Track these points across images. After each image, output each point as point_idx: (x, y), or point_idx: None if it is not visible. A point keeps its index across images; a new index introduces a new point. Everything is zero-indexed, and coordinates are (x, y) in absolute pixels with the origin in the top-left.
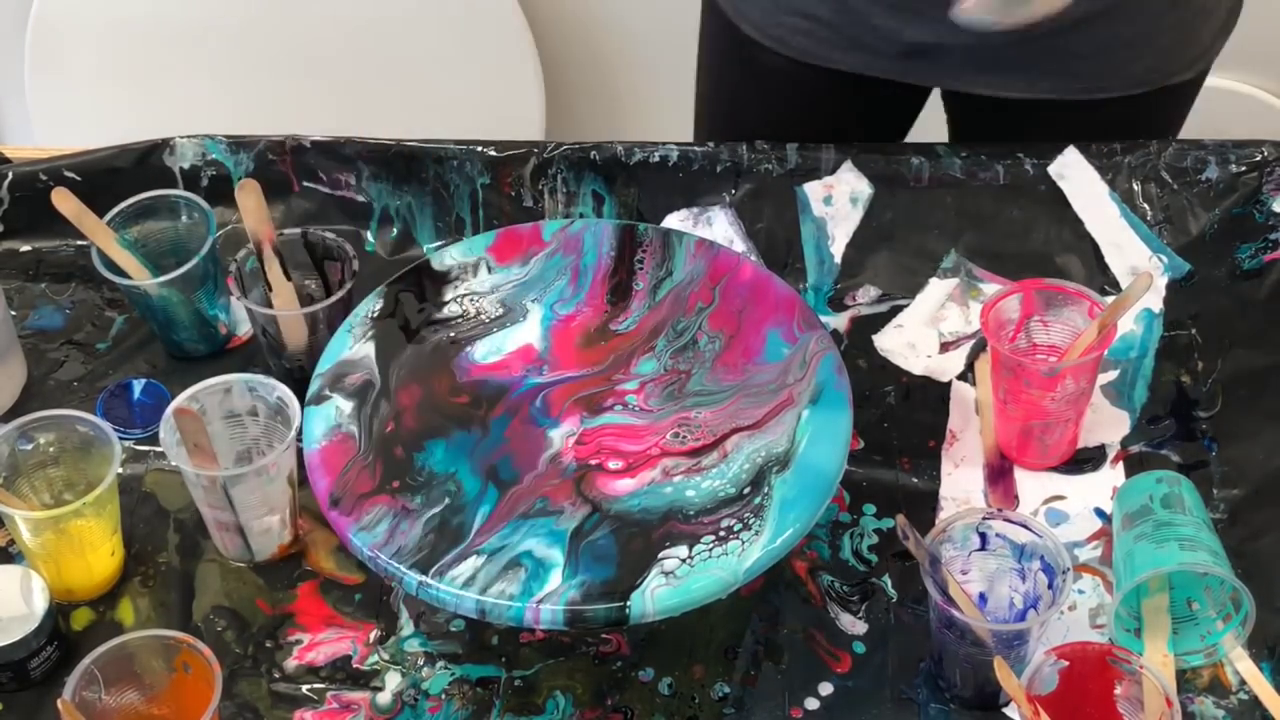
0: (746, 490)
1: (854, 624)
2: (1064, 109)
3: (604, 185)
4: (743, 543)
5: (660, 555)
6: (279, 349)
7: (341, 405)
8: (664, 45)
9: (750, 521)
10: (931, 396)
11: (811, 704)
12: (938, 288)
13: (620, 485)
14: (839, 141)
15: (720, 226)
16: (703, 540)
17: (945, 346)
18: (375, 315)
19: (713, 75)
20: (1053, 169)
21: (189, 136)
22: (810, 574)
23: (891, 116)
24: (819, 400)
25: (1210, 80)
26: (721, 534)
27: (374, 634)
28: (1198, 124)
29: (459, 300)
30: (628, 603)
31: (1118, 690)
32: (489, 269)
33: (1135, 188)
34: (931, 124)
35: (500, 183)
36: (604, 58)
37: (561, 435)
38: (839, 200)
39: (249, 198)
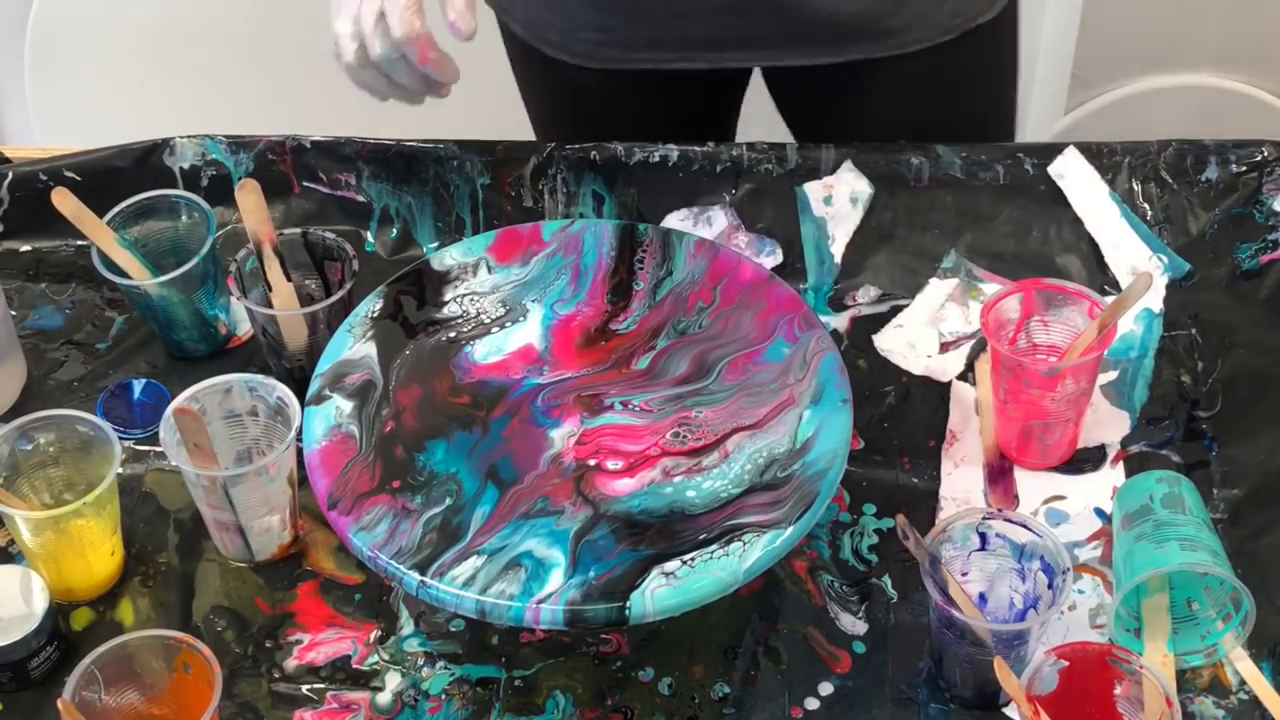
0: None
1: (854, 624)
2: (879, 68)
3: (604, 185)
4: (743, 543)
5: (660, 555)
6: (279, 349)
7: (341, 405)
8: None
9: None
10: (931, 396)
11: (811, 704)
12: (938, 288)
13: (620, 485)
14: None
15: (742, 238)
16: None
17: (945, 346)
18: (375, 315)
19: (534, 99)
20: (1053, 169)
21: (189, 136)
22: (810, 574)
23: (716, 108)
24: (820, 400)
25: (1210, 80)
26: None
27: (374, 634)
28: (1198, 124)
29: (459, 300)
30: (628, 603)
31: (1118, 690)
32: (489, 269)
33: (1135, 188)
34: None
35: (500, 183)
36: None
37: (562, 435)
38: (839, 200)
39: (249, 198)
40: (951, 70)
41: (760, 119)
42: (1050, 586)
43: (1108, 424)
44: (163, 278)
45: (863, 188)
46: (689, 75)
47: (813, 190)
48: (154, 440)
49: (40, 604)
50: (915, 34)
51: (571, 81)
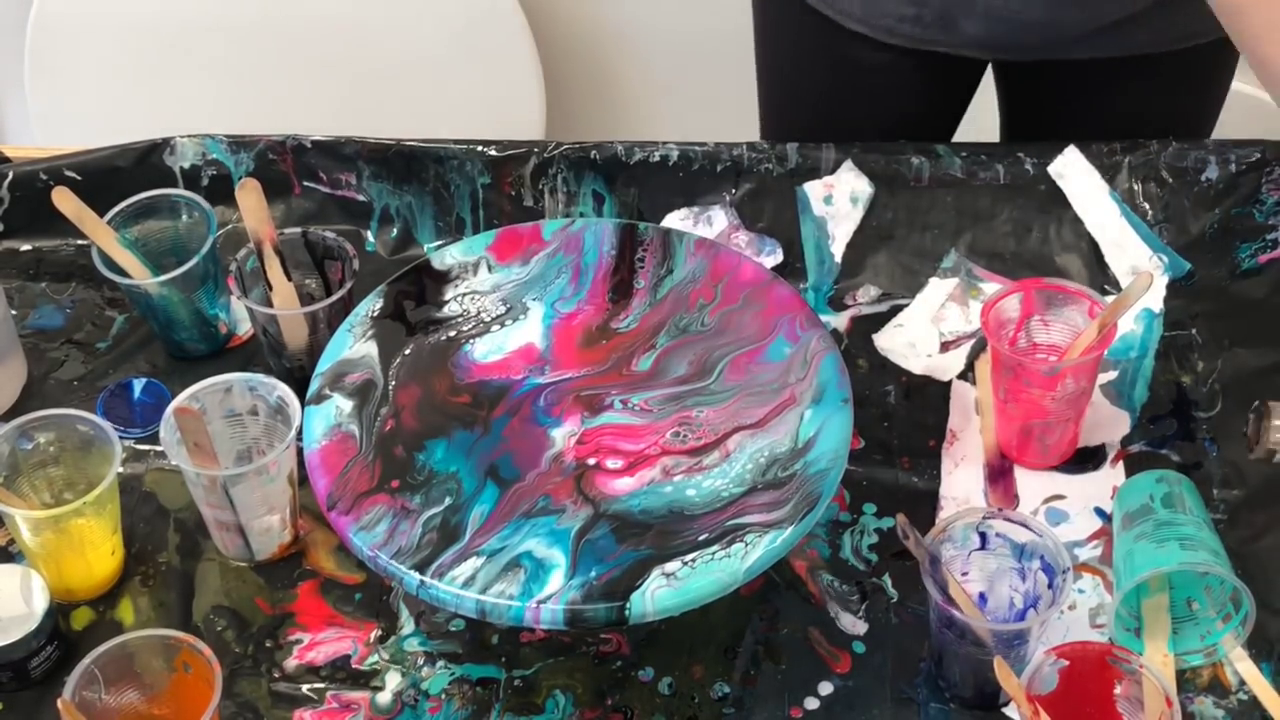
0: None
1: (854, 624)
2: (1116, 69)
3: (604, 185)
4: (745, 544)
5: (660, 555)
6: (279, 349)
7: (341, 405)
8: (664, 45)
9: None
10: (931, 396)
11: (811, 704)
12: (938, 287)
13: (620, 485)
14: (925, 127)
15: (742, 238)
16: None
17: (945, 346)
18: (375, 315)
19: (800, 75)
20: (1053, 169)
21: (189, 136)
22: (810, 574)
23: (959, 93)
24: (821, 400)
25: None
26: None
27: (374, 634)
28: None
29: (459, 299)
30: (628, 603)
31: (1118, 690)
32: (489, 268)
33: (1135, 188)
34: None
35: (500, 183)
36: (604, 58)
37: (563, 435)
38: (839, 200)
39: (249, 197)
40: (1172, 85)
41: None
42: (1050, 586)
43: (1108, 424)
44: (163, 277)
45: (863, 187)
46: (959, 61)
47: (813, 190)
48: (154, 440)
49: (40, 604)
50: (1195, 26)
51: (855, 56)
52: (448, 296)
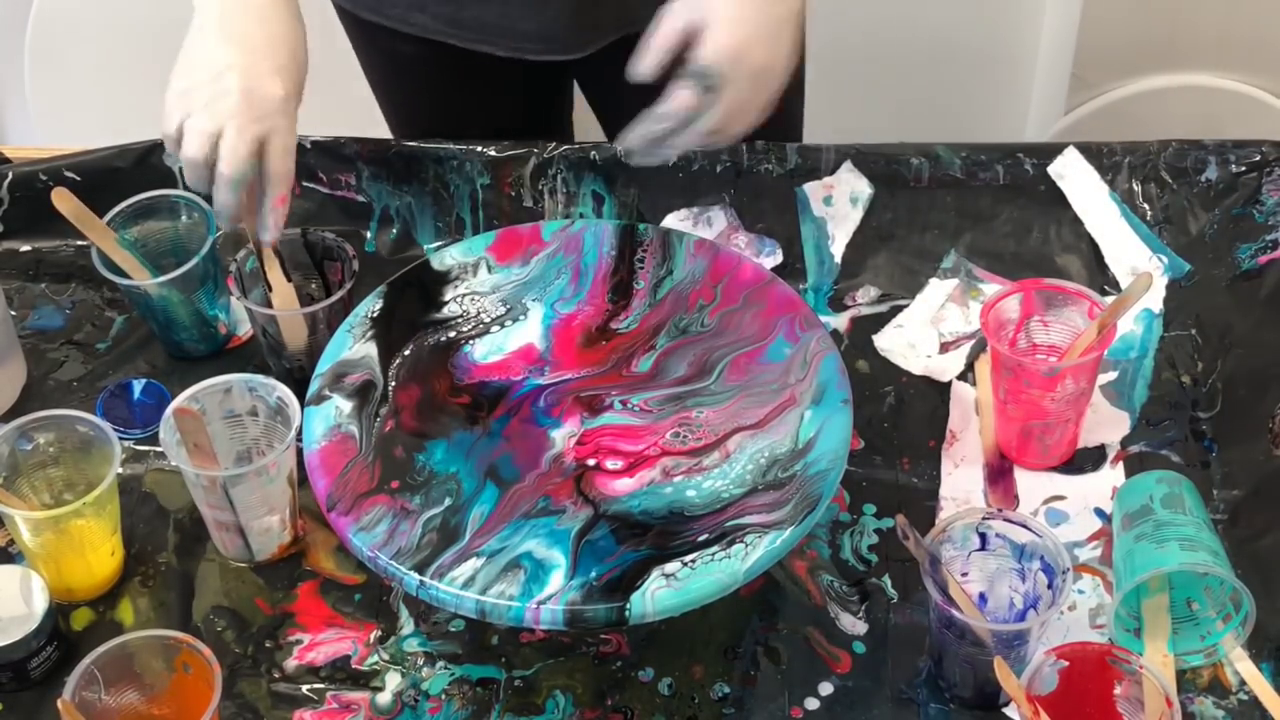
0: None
1: (854, 624)
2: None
3: (604, 185)
4: (746, 544)
5: (660, 556)
6: (279, 349)
7: (341, 405)
8: None
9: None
10: (931, 396)
11: (811, 704)
12: (938, 288)
13: (619, 485)
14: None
15: (742, 238)
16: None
17: (945, 346)
18: (375, 315)
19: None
20: (1053, 169)
21: None
22: (810, 574)
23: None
24: (821, 400)
25: (1210, 80)
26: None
27: (374, 634)
28: (1198, 124)
29: (459, 300)
30: (628, 603)
31: (1118, 690)
32: (489, 269)
33: (1135, 188)
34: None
35: (500, 183)
36: None
37: (563, 435)
38: (839, 200)
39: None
40: None
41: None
42: (1050, 586)
43: (1108, 424)
44: (163, 278)
45: (863, 188)
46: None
47: (813, 190)
48: (154, 440)
49: (40, 604)
50: None
51: (392, 50)
52: (447, 297)
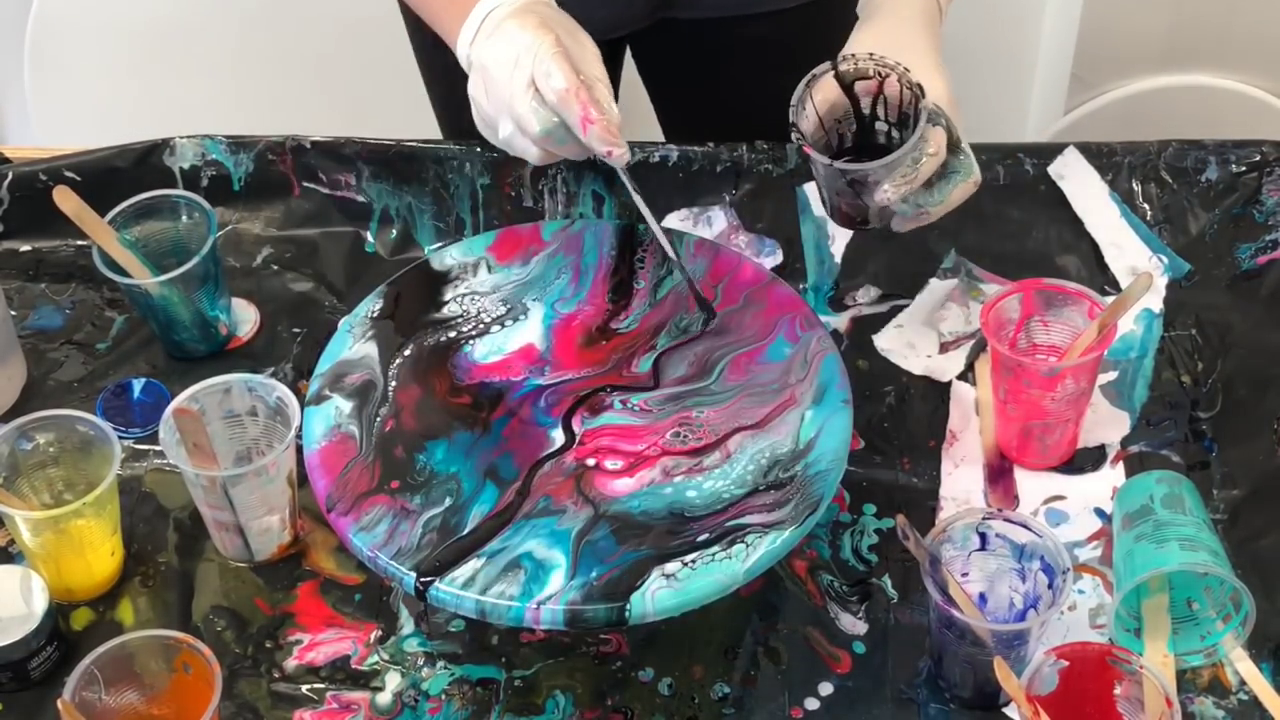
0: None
1: (854, 624)
2: (728, 27)
3: (604, 185)
4: (747, 545)
5: (660, 556)
6: None
7: (341, 405)
8: None
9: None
10: (931, 396)
11: (811, 704)
12: (938, 288)
13: (619, 485)
14: None
15: (742, 238)
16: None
17: (945, 346)
18: (375, 315)
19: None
20: (1053, 169)
21: (189, 136)
22: (810, 574)
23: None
24: (822, 400)
25: (1210, 80)
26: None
27: (374, 634)
28: (1198, 124)
29: (459, 300)
30: (628, 604)
31: (1118, 690)
32: (489, 269)
33: (1135, 188)
34: None
35: (500, 183)
36: None
37: (563, 435)
38: None
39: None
40: (796, 41)
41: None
42: (1050, 586)
43: (1108, 424)
44: (163, 277)
45: None
46: None
47: (813, 190)
48: (154, 440)
49: (40, 604)
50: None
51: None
52: (447, 297)
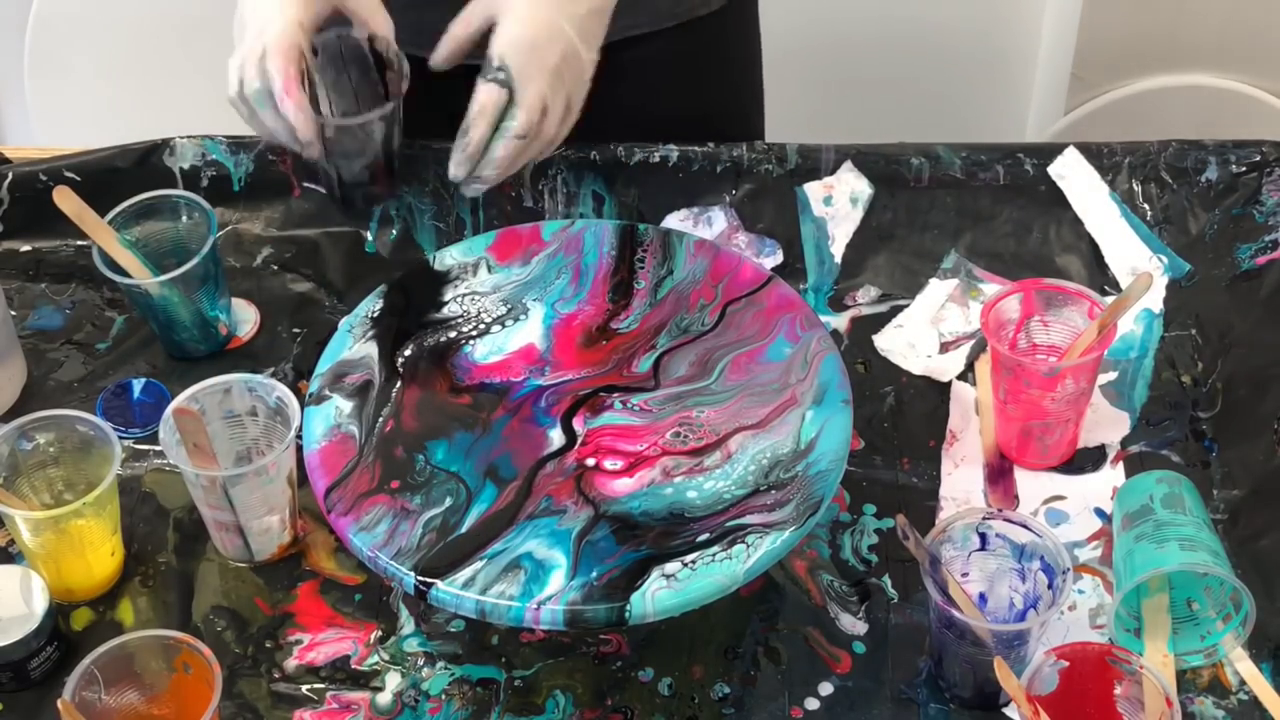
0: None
1: (854, 624)
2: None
3: (604, 185)
4: (748, 545)
5: (660, 556)
6: (352, 152)
7: (341, 405)
8: None
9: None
10: (931, 396)
11: (811, 704)
12: (938, 288)
13: (619, 485)
14: None
15: (742, 238)
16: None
17: (945, 346)
18: (375, 315)
19: None
20: (1053, 169)
21: (189, 137)
22: (810, 574)
23: None
24: (822, 400)
25: (1210, 80)
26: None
27: (374, 634)
28: (1198, 124)
29: (459, 300)
30: (628, 604)
31: (1118, 690)
32: (489, 269)
33: (1135, 188)
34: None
35: (500, 183)
36: None
37: (563, 435)
38: (839, 200)
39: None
40: (684, 61)
41: None
42: (1050, 586)
43: (1108, 424)
44: (163, 277)
45: (863, 188)
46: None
47: (813, 190)
48: (154, 440)
49: (40, 604)
50: (637, 19)
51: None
52: (448, 297)
